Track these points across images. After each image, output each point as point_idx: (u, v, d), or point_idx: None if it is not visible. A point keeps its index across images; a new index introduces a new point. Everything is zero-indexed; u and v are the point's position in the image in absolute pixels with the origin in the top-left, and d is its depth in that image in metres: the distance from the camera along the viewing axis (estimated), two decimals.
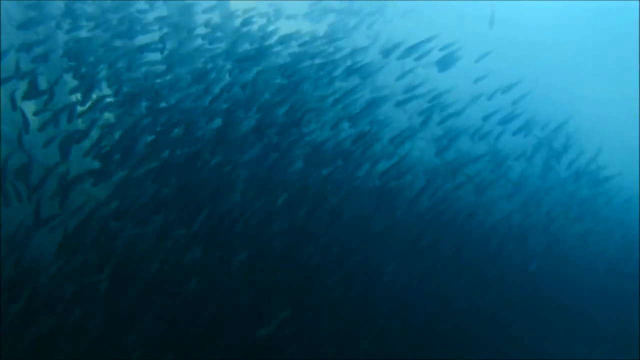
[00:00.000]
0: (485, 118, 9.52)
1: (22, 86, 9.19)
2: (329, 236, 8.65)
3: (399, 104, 9.18)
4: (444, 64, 9.32)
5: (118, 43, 9.19)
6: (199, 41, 9.34)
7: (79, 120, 8.51)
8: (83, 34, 9.18)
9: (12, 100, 7.89)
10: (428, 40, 9.45)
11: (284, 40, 9.62)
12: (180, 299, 7.58)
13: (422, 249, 9.47)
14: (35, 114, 8.47)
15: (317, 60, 9.14)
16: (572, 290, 12.08)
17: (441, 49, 9.48)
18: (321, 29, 11.19)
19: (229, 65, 8.90)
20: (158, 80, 8.98)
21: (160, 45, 9.15)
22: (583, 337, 11.90)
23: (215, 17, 9.73)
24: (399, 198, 9.31)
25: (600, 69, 21.03)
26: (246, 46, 9.45)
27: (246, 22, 9.65)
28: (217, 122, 8.50)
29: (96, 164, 7.94)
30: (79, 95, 8.43)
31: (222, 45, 9.27)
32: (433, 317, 9.75)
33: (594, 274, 12.63)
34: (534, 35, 20.58)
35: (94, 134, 8.46)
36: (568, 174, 11.73)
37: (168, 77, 9.02)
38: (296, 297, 8.05)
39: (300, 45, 9.52)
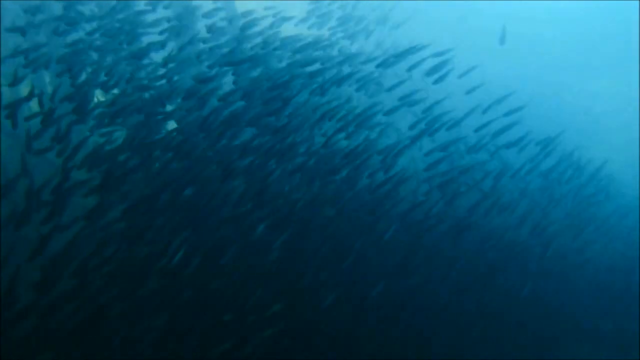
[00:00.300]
0: (483, 127, 9.41)
1: (19, 91, 9.18)
2: (325, 246, 8.65)
3: (395, 112, 9.10)
4: (442, 72, 9.19)
5: (118, 47, 9.09)
6: (198, 47, 9.23)
7: (78, 127, 8.44)
8: (82, 37, 9.08)
9: (11, 110, 7.86)
10: (428, 46, 9.36)
11: (284, 46, 9.53)
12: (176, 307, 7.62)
13: (423, 256, 9.48)
14: (27, 119, 8.43)
15: (317, 68, 9.03)
16: (573, 291, 12.08)
17: (439, 56, 9.35)
18: (322, 35, 11.05)
19: (227, 72, 8.82)
20: (158, 84, 8.93)
21: (159, 50, 9.08)
22: (583, 338, 11.92)
23: (215, 21, 9.62)
24: (394, 211, 9.25)
25: (600, 66, 20.95)
26: (245, 52, 9.34)
27: (246, 26, 9.56)
28: (213, 130, 8.42)
29: (94, 173, 7.92)
30: (76, 101, 8.36)
31: (221, 51, 9.18)
32: (434, 319, 9.78)
33: (594, 276, 12.63)
34: (536, 30, 20.49)
35: (93, 140, 8.44)
36: (570, 178, 11.67)
37: (167, 83, 8.95)
38: (291, 307, 8.09)
39: (300, 52, 9.42)
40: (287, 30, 10.17)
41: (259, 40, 9.61)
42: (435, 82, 9.19)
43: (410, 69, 9.28)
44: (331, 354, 8.65)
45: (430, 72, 9.26)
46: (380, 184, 8.91)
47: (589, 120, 18.62)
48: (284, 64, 9.61)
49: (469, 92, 9.61)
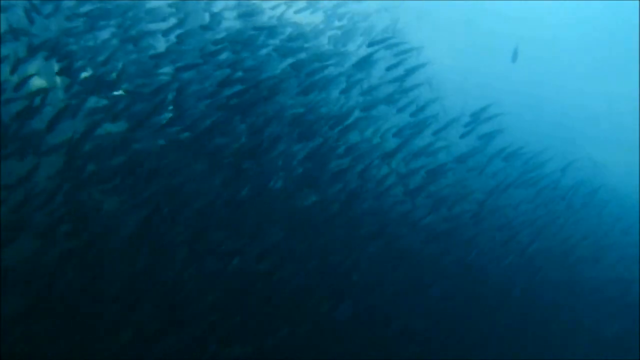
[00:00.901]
0: (468, 133, 9.24)
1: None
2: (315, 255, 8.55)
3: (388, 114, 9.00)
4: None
5: (117, 32, 8.90)
6: (194, 43, 9.05)
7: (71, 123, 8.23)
8: (78, 28, 8.87)
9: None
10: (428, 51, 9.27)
11: (284, 44, 9.35)
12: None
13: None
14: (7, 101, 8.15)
15: (314, 68, 8.84)
16: (573, 292, 11.99)
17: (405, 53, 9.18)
18: (323, 35, 10.91)
19: (224, 70, 8.67)
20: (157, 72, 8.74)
21: (155, 45, 8.94)
22: (583, 338, 11.84)
23: (216, 16, 9.45)
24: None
25: (600, 66, 21.01)
26: (243, 51, 9.15)
27: (247, 17, 9.45)
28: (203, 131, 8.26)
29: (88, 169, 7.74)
30: (70, 96, 8.18)
31: (220, 49, 8.97)
32: (435, 319, 9.71)
33: (595, 277, 12.58)
34: (537, 31, 20.50)
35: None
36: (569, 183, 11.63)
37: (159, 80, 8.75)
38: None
39: (299, 51, 9.23)
40: (288, 30, 9.99)
41: (257, 39, 9.43)
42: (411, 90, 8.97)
43: (389, 68, 9.06)
44: (330, 354, 8.54)
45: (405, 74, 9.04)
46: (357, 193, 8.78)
47: (588, 120, 18.60)
48: (281, 65, 9.42)
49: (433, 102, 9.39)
